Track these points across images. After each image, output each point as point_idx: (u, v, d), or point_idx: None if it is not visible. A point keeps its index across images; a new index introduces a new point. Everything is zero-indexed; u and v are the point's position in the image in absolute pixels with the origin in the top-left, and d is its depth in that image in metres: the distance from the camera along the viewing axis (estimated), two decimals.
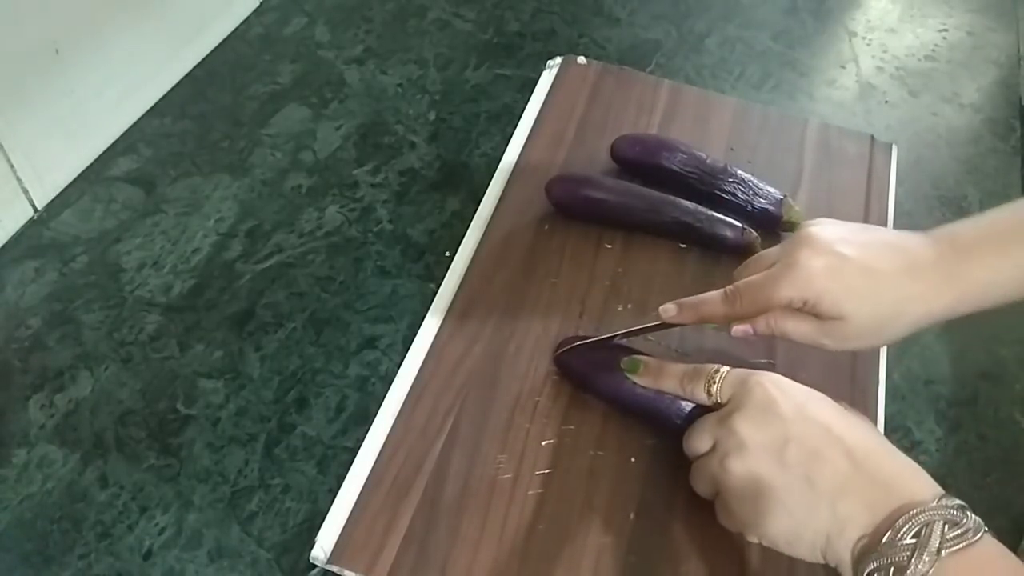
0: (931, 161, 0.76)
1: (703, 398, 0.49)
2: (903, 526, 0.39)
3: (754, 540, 0.45)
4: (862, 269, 0.47)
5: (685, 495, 0.51)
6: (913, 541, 0.38)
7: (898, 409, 0.59)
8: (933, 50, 0.88)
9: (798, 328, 0.49)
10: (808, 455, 0.42)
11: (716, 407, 0.48)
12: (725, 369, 0.48)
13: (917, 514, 0.39)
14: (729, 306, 0.50)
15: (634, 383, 0.52)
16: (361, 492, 0.51)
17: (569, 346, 0.57)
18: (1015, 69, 0.87)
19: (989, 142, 0.79)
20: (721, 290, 0.51)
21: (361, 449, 0.53)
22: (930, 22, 0.91)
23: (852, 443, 0.43)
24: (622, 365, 0.53)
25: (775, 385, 0.46)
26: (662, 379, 0.51)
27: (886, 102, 0.81)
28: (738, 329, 0.51)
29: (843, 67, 0.85)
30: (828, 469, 0.42)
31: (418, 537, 0.49)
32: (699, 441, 0.48)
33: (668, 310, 0.53)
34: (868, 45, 0.88)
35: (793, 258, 0.48)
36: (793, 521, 0.42)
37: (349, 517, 0.50)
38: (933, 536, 0.38)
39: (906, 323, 0.48)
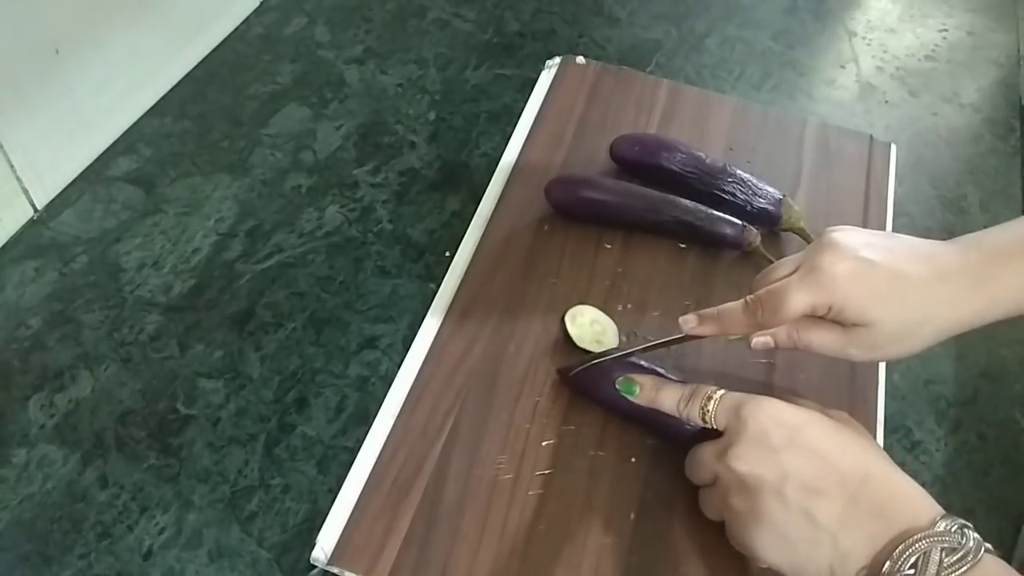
0: (931, 161, 0.76)
1: (698, 422, 0.48)
2: (900, 556, 0.39)
3: (762, 565, 0.45)
4: (888, 273, 0.45)
5: (685, 495, 0.51)
6: (911, 572, 0.38)
7: (898, 409, 0.59)
8: (933, 50, 0.88)
9: (822, 338, 0.48)
10: (805, 491, 0.42)
11: (713, 431, 0.48)
12: (719, 393, 0.48)
13: (914, 542, 0.39)
14: (751, 316, 0.48)
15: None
16: (361, 493, 0.51)
17: (582, 366, 0.55)
18: (1015, 69, 0.87)
19: (989, 142, 0.79)
20: (741, 300, 0.49)
21: (361, 449, 0.53)
22: (930, 22, 0.91)
23: (848, 470, 0.42)
24: (617, 386, 0.52)
25: (768, 415, 0.45)
26: (658, 401, 0.50)
27: (886, 102, 0.81)
28: (758, 342, 0.49)
29: (843, 67, 0.85)
30: (825, 504, 0.42)
31: (419, 538, 0.49)
32: (701, 472, 0.48)
33: (688, 321, 0.51)
34: (868, 45, 0.88)
35: (815, 263, 0.46)
36: (797, 555, 0.42)
37: (349, 518, 0.50)
38: (930, 564, 0.38)
39: (934, 329, 0.46)
